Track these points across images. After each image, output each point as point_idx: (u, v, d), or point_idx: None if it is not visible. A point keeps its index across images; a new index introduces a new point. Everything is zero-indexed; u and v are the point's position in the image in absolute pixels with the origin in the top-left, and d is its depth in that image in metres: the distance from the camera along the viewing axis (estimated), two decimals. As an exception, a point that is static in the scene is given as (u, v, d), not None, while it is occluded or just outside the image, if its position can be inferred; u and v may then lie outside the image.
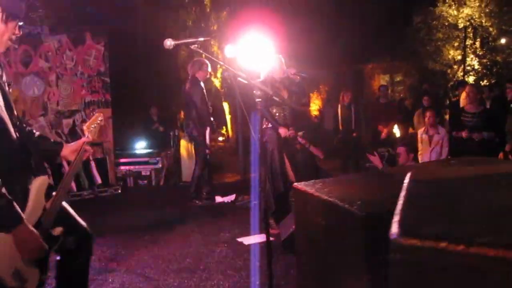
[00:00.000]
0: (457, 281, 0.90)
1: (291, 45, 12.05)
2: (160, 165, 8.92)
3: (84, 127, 2.80)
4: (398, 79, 16.29)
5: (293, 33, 12.19)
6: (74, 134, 7.98)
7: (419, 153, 7.20)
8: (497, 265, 0.85)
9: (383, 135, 8.91)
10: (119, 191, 8.31)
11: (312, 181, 2.11)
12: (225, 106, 14.98)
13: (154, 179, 8.91)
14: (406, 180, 1.53)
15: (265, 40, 8.14)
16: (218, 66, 14.68)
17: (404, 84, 16.12)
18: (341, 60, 14.99)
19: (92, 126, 2.78)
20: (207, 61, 6.86)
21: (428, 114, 7.26)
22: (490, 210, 1.18)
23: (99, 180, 8.09)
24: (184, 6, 12.98)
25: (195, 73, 6.81)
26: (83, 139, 2.72)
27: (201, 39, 3.08)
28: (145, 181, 8.91)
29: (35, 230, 2.25)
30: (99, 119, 2.86)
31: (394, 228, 0.99)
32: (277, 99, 5.46)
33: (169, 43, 2.98)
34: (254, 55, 8.12)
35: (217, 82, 14.91)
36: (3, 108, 2.34)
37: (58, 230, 2.44)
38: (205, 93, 6.80)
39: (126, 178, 8.83)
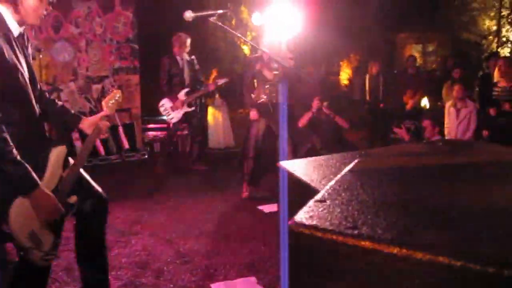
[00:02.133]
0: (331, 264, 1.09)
1: (322, 12, 11.92)
2: (186, 132, 9.02)
3: (103, 102, 2.93)
4: (430, 49, 15.93)
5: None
6: (102, 99, 8.12)
7: (445, 126, 7.12)
8: (361, 253, 1.02)
9: (408, 106, 8.82)
10: (146, 156, 8.48)
11: (300, 160, 2.25)
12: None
13: (180, 145, 9.04)
14: (349, 167, 1.72)
15: (292, 9, 8.09)
16: (248, 32, 14.65)
17: (437, 55, 15.78)
18: (372, 28, 14.72)
19: (111, 102, 2.90)
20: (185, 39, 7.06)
21: (456, 87, 7.14)
22: (392, 204, 1.30)
23: (126, 145, 8.26)
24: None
25: (173, 48, 7.10)
26: (101, 113, 2.85)
27: (220, 11, 3.10)
28: (172, 147, 9.04)
29: (51, 194, 2.39)
30: (117, 95, 2.96)
31: (296, 216, 1.16)
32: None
33: (188, 15, 3.01)
34: (280, 24, 8.10)
35: (246, 49, 14.86)
36: (27, 81, 2.45)
37: (73, 199, 2.59)
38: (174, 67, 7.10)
39: (153, 144, 8.99)
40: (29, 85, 2.46)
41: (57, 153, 2.55)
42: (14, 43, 2.37)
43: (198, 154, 7.75)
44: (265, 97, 5.89)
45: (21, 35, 2.49)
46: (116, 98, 2.95)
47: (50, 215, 2.40)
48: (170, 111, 7.19)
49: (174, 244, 4.44)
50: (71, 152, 2.80)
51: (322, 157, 2.21)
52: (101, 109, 2.98)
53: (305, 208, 1.22)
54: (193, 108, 7.28)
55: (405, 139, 7.24)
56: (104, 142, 7.96)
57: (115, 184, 6.25)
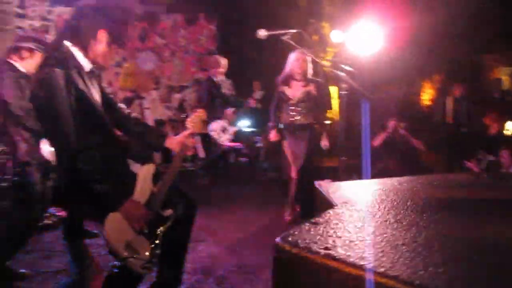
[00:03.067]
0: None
1: (406, 30, 11.67)
2: (261, 144, 9.15)
3: (188, 120, 2.97)
4: (521, 72, 15.12)
5: (410, 16, 11.78)
6: (182, 108, 8.42)
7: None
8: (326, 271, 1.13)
9: (492, 130, 8.42)
10: (220, 165, 8.66)
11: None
12: (333, 89, 14.87)
13: (254, 156, 9.18)
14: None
15: (374, 27, 8.01)
16: (329, 49, 14.64)
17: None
18: (458, 48, 14.19)
19: (196, 121, 2.94)
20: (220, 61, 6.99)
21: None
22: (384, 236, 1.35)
23: (202, 154, 8.48)
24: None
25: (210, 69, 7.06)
26: (186, 132, 2.90)
27: (293, 30, 3.15)
28: (246, 158, 9.20)
29: (137, 200, 2.56)
30: (202, 115, 3.00)
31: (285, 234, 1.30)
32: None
33: (261, 33, 3.09)
34: (362, 41, 8.04)
35: (328, 66, 14.81)
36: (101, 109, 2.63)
37: (168, 212, 2.71)
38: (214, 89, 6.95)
39: (228, 154, 9.18)
40: (102, 110, 2.62)
41: (146, 170, 2.70)
42: (85, 77, 2.56)
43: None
44: (290, 119, 5.50)
45: (92, 71, 2.65)
46: (201, 117, 3.00)
47: (141, 221, 2.55)
48: (221, 134, 7.23)
49: (238, 254, 4.50)
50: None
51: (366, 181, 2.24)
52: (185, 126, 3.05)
53: (297, 228, 1.34)
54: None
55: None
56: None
57: (190, 190, 6.44)
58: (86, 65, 2.59)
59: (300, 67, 5.36)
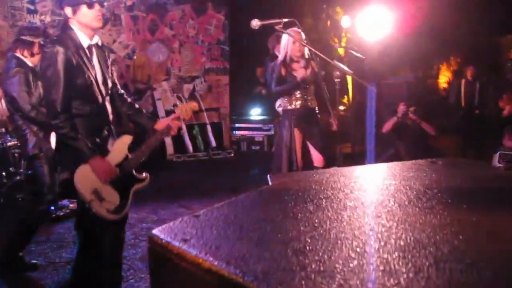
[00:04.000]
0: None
1: (422, 13, 11.51)
2: (273, 132, 9.18)
3: (178, 106, 3.45)
4: (539, 52, 14.81)
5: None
6: (193, 98, 8.49)
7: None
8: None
9: (505, 112, 8.30)
10: (232, 154, 8.74)
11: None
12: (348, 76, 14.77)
13: (267, 145, 9.21)
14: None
15: (382, 12, 7.96)
16: (343, 34, 14.53)
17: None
18: (475, 30, 13.94)
19: (186, 108, 3.35)
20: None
21: None
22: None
23: (214, 143, 8.56)
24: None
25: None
26: (173, 115, 3.33)
27: (285, 20, 3.18)
28: (258, 147, 9.24)
29: (106, 159, 3.03)
30: (194, 106, 3.43)
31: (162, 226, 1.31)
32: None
33: (255, 23, 3.14)
34: (370, 26, 7.99)
35: (341, 51, 14.71)
36: (96, 83, 3.04)
37: (143, 174, 3.24)
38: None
39: (240, 143, 9.24)
40: (96, 85, 3.03)
41: (122, 139, 3.16)
42: (83, 53, 2.98)
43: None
44: (298, 103, 5.01)
45: (97, 46, 3.10)
46: (192, 106, 3.40)
47: (107, 175, 3.01)
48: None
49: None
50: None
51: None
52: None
53: (177, 221, 1.36)
54: None
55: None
56: (193, 139, 8.32)
57: (201, 180, 6.53)
58: (85, 41, 2.99)
59: (299, 48, 4.84)
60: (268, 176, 2.03)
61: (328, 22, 14.35)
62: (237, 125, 9.34)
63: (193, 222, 1.35)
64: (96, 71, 3.06)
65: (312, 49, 4.17)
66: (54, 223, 5.16)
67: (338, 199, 1.66)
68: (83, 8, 2.93)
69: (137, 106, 3.40)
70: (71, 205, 5.46)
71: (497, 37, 15.19)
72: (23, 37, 4.38)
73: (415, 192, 1.72)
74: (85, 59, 2.97)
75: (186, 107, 3.35)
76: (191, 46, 8.58)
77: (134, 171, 3.20)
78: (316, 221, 1.40)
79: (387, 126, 6.99)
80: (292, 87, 4.87)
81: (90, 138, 2.99)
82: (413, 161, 2.40)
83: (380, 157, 7.18)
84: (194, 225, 1.32)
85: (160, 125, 3.29)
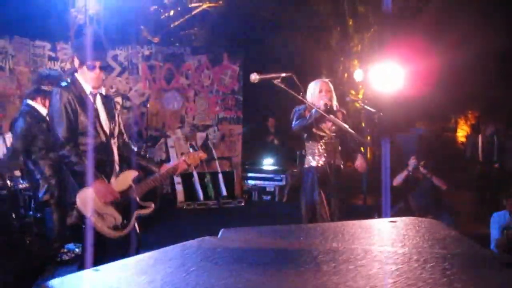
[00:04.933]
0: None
1: (436, 66, 11.55)
2: (284, 183, 9.16)
3: (186, 154, 3.62)
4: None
5: (439, 53, 11.66)
6: (205, 147, 8.55)
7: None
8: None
9: (524, 165, 8.19)
10: (243, 203, 8.69)
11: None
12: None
13: (278, 195, 9.18)
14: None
15: (397, 65, 8.03)
16: (360, 86, 14.63)
17: None
18: (493, 81, 13.88)
19: (192, 157, 3.55)
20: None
21: None
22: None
23: (224, 192, 8.54)
24: (327, 27, 13.12)
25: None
26: (180, 160, 3.58)
27: (283, 74, 3.24)
28: (269, 197, 9.21)
29: (108, 183, 3.26)
30: (201, 156, 3.61)
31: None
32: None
33: (254, 77, 3.21)
34: (383, 79, 8.06)
35: (357, 104, 14.76)
36: (104, 124, 3.35)
37: (148, 204, 3.44)
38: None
39: (251, 192, 9.22)
40: (99, 124, 3.31)
41: (128, 172, 3.41)
42: (85, 96, 3.29)
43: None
44: (322, 160, 4.61)
45: (102, 95, 3.40)
46: (200, 156, 3.60)
47: (108, 197, 3.22)
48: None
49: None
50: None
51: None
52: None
53: (78, 273, 1.37)
54: None
55: None
56: (204, 187, 8.33)
57: (210, 228, 6.47)
58: (87, 88, 3.29)
59: (329, 98, 4.55)
60: (222, 230, 2.00)
61: (345, 75, 14.52)
62: (249, 174, 9.35)
63: (92, 276, 1.31)
64: (100, 113, 3.34)
65: (308, 102, 4.18)
66: (59, 266, 5.14)
67: (270, 260, 1.63)
68: (85, 68, 3.26)
69: (142, 153, 3.80)
70: (76, 250, 5.44)
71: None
72: (43, 87, 4.51)
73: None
74: (87, 101, 3.28)
75: (195, 155, 3.56)
76: (206, 95, 8.73)
77: (138, 199, 3.39)
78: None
79: (398, 180, 6.93)
80: (316, 115, 4.38)
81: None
82: (375, 219, 2.36)
83: (390, 211, 7.08)
84: (92, 280, 1.28)
85: (166, 167, 3.53)
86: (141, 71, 8.47)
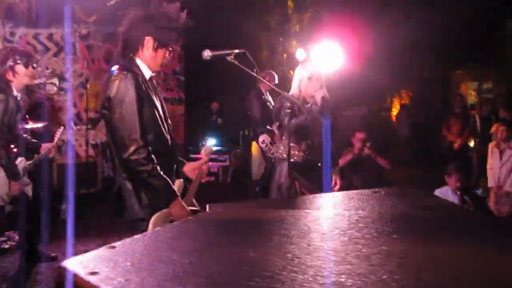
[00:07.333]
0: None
1: (374, 46, 11.84)
2: (228, 163, 9.18)
3: (202, 151, 3.27)
4: (486, 87, 15.48)
5: (376, 34, 11.96)
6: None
7: (488, 167, 6.89)
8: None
9: (456, 145, 8.61)
10: (187, 185, 8.64)
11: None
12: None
13: (222, 176, 9.19)
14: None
15: (336, 46, 8.16)
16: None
17: (494, 93, 15.29)
18: (425, 64, 14.45)
19: (207, 151, 3.23)
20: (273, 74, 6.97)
21: (500, 127, 6.92)
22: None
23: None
24: (267, 8, 13.16)
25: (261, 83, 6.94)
26: (202, 160, 3.17)
27: (236, 51, 3.20)
28: (213, 178, 9.21)
29: (185, 204, 2.75)
30: (211, 147, 3.37)
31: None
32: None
33: (206, 54, 3.13)
34: (324, 60, 8.16)
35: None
36: (162, 116, 2.86)
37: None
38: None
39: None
40: (160, 121, 2.82)
41: (177, 185, 2.90)
42: (147, 84, 2.80)
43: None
44: (301, 154, 4.35)
45: (151, 79, 2.93)
46: (211, 150, 3.34)
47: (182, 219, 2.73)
48: (271, 146, 6.93)
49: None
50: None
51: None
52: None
53: (91, 252, 1.29)
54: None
55: None
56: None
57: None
58: (146, 72, 2.84)
59: (321, 86, 4.19)
60: (207, 205, 2.00)
61: (284, 55, 14.65)
62: (192, 155, 9.28)
63: (108, 253, 1.27)
64: (157, 103, 2.87)
65: (264, 80, 4.19)
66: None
67: (267, 230, 1.66)
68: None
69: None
70: (17, 237, 5.26)
71: (447, 72, 15.80)
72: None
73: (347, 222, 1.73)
74: (149, 90, 2.80)
75: (208, 150, 3.27)
76: (146, 75, 8.57)
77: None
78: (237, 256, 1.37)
79: (344, 161, 7.04)
80: (314, 113, 4.05)
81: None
82: (356, 191, 2.44)
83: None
84: (107, 257, 1.24)
85: (189, 169, 3.16)
86: (78, 51, 8.18)
